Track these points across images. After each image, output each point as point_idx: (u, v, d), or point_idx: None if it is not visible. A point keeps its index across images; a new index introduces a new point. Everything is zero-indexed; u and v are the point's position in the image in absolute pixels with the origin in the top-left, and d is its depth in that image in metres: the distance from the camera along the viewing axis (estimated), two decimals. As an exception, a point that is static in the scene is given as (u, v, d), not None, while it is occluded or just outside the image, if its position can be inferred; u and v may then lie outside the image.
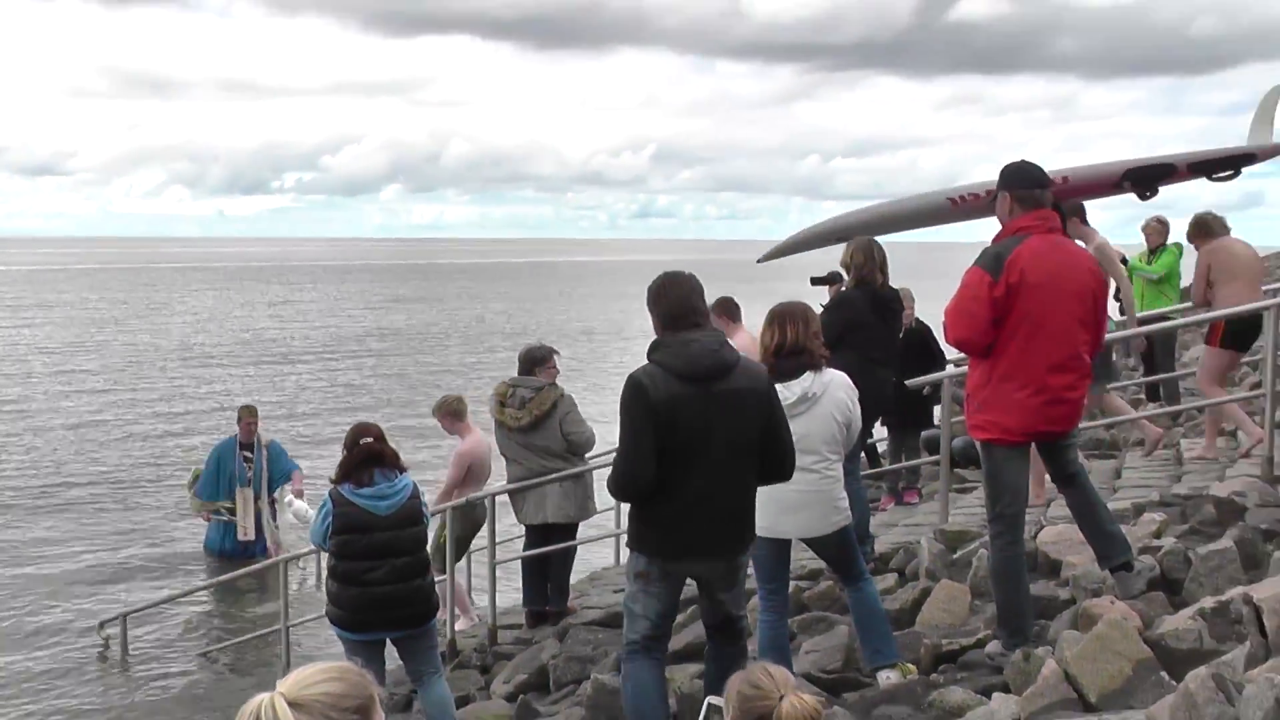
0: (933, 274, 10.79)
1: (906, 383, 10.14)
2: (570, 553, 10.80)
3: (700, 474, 5.69)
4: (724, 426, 5.69)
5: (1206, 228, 10.51)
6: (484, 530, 11.36)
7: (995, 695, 5.40)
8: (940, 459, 10.00)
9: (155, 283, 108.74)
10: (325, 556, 8.52)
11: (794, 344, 6.50)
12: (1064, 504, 7.12)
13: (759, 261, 13.89)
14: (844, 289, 9.84)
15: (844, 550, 6.66)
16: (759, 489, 5.97)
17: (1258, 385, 11.69)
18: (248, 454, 16.36)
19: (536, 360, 10.48)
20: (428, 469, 18.76)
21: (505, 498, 10.81)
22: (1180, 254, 13.28)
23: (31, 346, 48.21)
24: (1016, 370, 6.17)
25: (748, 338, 9.09)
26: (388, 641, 8.01)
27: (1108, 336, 7.63)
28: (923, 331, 11.97)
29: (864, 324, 9.16)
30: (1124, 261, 15.01)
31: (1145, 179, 11.37)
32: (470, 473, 11.41)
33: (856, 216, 12.59)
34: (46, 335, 53.46)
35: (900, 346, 10.10)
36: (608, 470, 12.30)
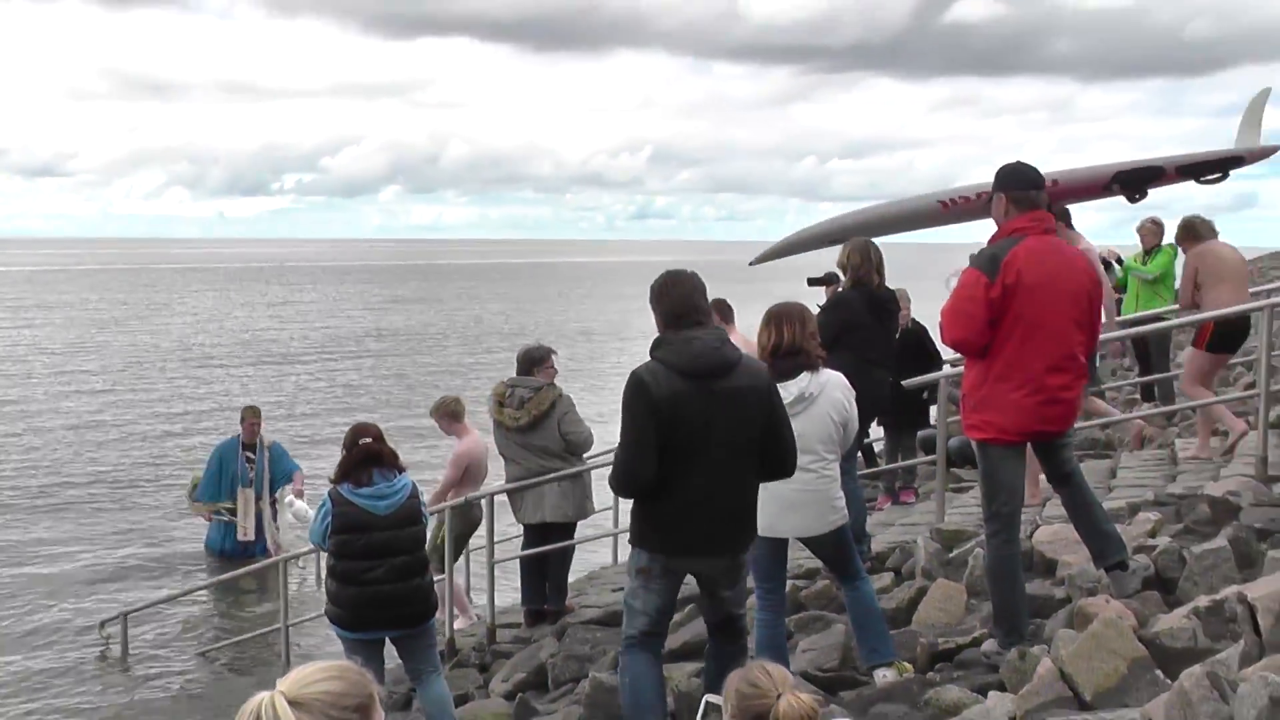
0: (929, 275, 10.83)
1: (903, 383, 10.17)
2: (568, 552, 10.84)
3: (702, 471, 5.73)
4: (725, 424, 5.73)
5: (1193, 231, 10.55)
6: (482, 530, 11.40)
7: (991, 694, 5.41)
8: (936, 459, 10.04)
9: (155, 283, 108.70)
10: (325, 556, 8.55)
11: (791, 344, 6.52)
12: (1059, 503, 7.13)
13: (751, 264, 13.92)
14: (841, 290, 9.88)
15: (841, 549, 6.69)
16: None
17: (1252, 385, 11.72)
18: (250, 454, 16.40)
19: (535, 360, 10.51)
20: (426, 469, 18.79)
21: (504, 497, 10.85)
22: (1175, 255, 13.33)
23: (32, 347, 48.22)
24: (1012, 370, 6.19)
25: (740, 339, 9.12)
26: (387, 640, 8.03)
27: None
28: (919, 332, 12.00)
29: (861, 325, 9.18)
30: (1119, 262, 15.08)
31: (1134, 182, 11.42)
32: (468, 473, 11.45)
33: (849, 219, 12.64)
34: (47, 336, 53.47)
35: (897, 347, 10.12)
36: (606, 470, 12.35)
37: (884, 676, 6.39)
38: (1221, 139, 11.57)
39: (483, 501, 11.35)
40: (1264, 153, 11.50)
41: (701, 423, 5.70)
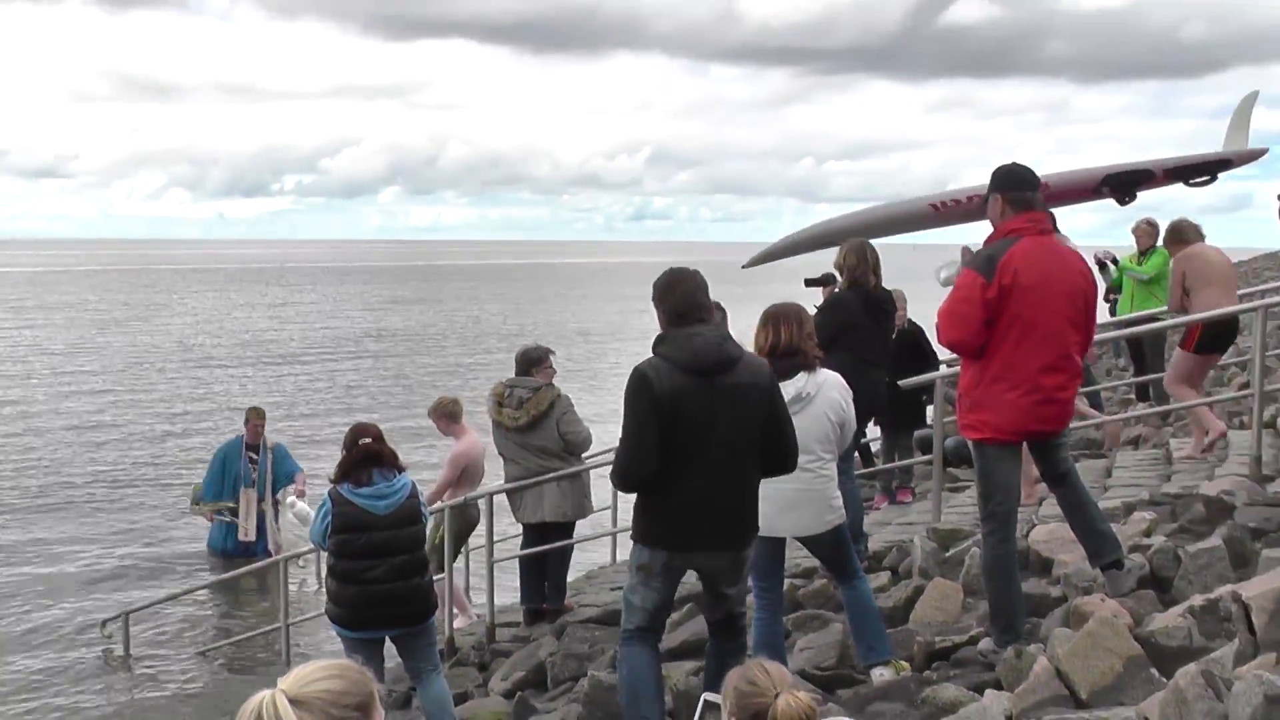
0: (926, 276, 10.85)
1: (900, 383, 10.19)
2: (567, 551, 10.85)
3: (704, 466, 5.77)
4: (727, 419, 5.77)
5: (1180, 234, 10.61)
6: (482, 529, 11.41)
7: (987, 692, 5.41)
8: (933, 458, 10.07)
9: (155, 284, 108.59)
10: (325, 555, 8.57)
11: (788, 345, 6.54)
12: (1055, 503, 7.14)
13: (745, 267, 13.94)
14: (837, 290, 9.91)
15: (838, 549, 6.71)
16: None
17: (1246, 386, 11.76)
18: (253, 455, 16.43)
19: (533, 361, 10.53)
20: (425, 469, 18.83)
21: (503, 497, 10.87)
22: (1170, 256, 13.37)
23: (33, 347, 48.21)
24: (1008, 371, 6.20)
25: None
26: (387, 639, 8.05)
27: None
28: (915, 332, 12.01)
29: (857, 325, 9.21)
30: (1115, 262, 15.10)
31: (1123, 185, 11.46)
32: (465, 474, 11.48)
33: (841, 222, 12.68)
34: (47, 336, 53.47)
35: (893, 347, 10.16)
36: (605, 470, 12.38)
37: (881, 675, 6.41)
38: (1216, 141, 11.62)
39: (480, 501, 11.39)
40: (1251, 155, 11.55)
41: (703, 418, 5.74)
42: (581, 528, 11.38)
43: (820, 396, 6.57)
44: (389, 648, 8.16)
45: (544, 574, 10.67)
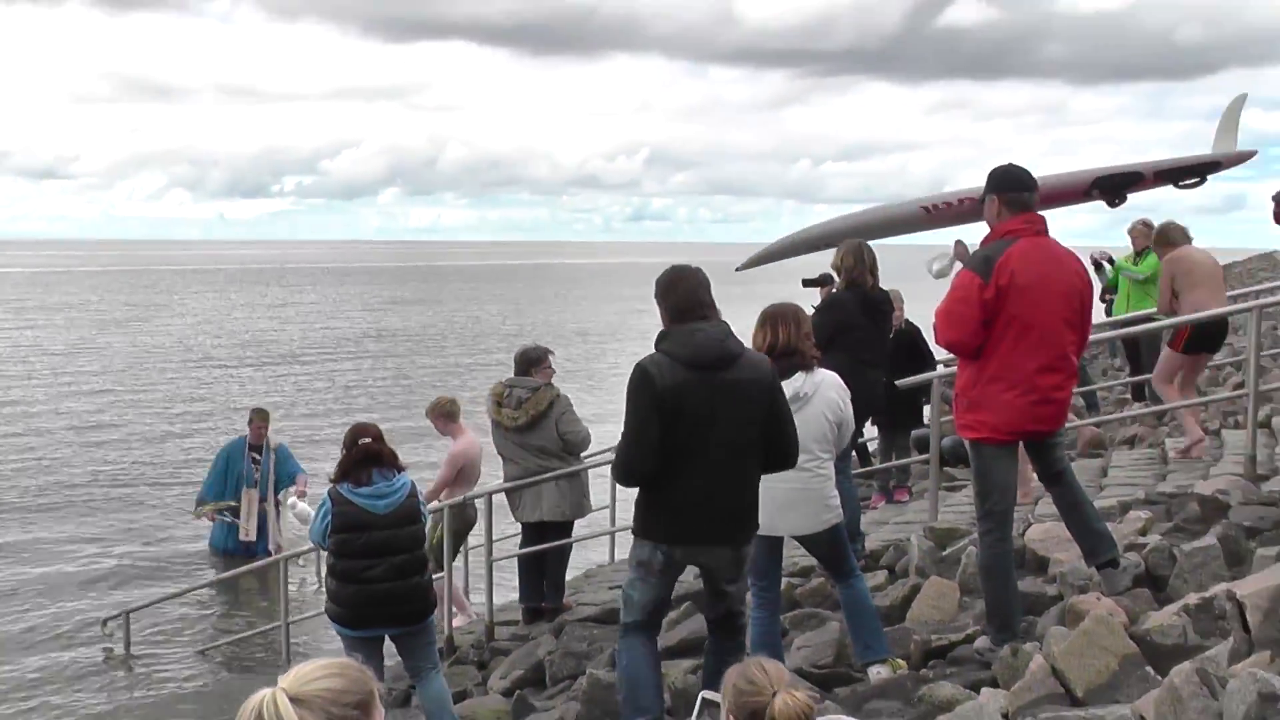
0: (922, 276, 10.84)
1: (897, 383, 10.22)
2: (566, 550, 10.88)
3: (705, 461, 5.81)
4: (728, 414, 5.81)
5: (1168, 237, 10.67)
6: (481, 528, 11.44)
7: (984, 690, 5.43)
8: (930, 458, 10.10)
9: (156, 285, 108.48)
10: (325, 555, 8.59)
11: (786, 345, 6.57)
12: (1051, 502, 7.15)
13: (738, 269, 13.95)
14: (835, 291, 9.93)
15: (835, 548, 6.74)
16: None
17: (1241, 385, 11.80)
18: (256, 455, 16.47)
19: (532, 361, 10.56)
20: (425, 469, 18.87)
21: (502, 496, 10.90)
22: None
23: (34, 347, 48.16)
24: (1005, 371, 6.22)
25: None
26: (386, 638, 8.07)
27: None
28: (912, 333, 12.03)
29: (854, 325, 9.24)
30: (1111, 262, 15.14)
31: (1113, 187, 11.49)
32: (462, 474, 11.51)
33: (833, 225, 12.71)
34: (48, 337, 53.42)
35: (890, 347, 10.18)
36: (603, 469, 12.42)
37: (878, 673, 6.43)
38: (1211, 142, 11.65)
39: (479, 501, 11.41)
40: (1240, 157, 11.59)
41: (705, 413, 5.78)
42: (580, 527, 11.40)
43: (818, 396, 6.59)
44: (388, 646, 8.18)
45: (543, 573, 10.69)
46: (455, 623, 11.29)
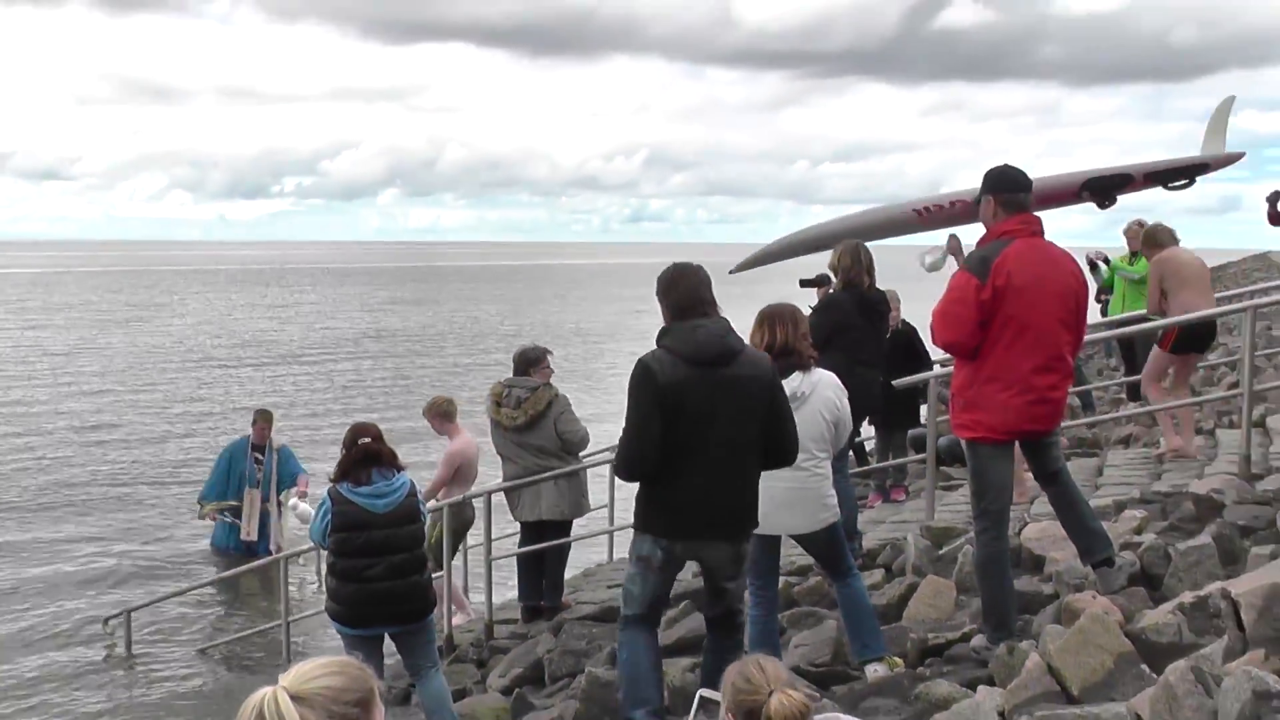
0: (919, 276, 10.87)
1: (893, 383, 10.24)
2: (564, 549, 10.90)
3: (705, 456, 5.85)
4: (728, 410, 5.85)
5: (1155, 239, 10.74)
6: (480, 527, 11.46)
7: (980, 688, 5.43)
8: (926, 457, 10.12)
9: (157, 285, 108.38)
10: (325, 554, 8.61)
11: (783, 344, 6.60)
12: (1047, 501, 7.17)
13: (731, 272, 13.97)
14: (832, 291, 9.96)
15: (832, 547, 6.77)
16: None
17: (1235, 385, 11.83)
18: (258, 455, 16.51)
19: (531, 361, 10.58)
20: (424, 469, 18.90)
21: (501, 495, 10.92)
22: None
23: (35, 348, 48.14)
24: (1001, 371, 6.24)
25: None
26: (386, 636, 8.08)
27: None
28: (909, 333, 12.06)
29: (851, 325, 9.27)
30: (1107, 262, 15.17)
31: (1103, 189, 11.53)
32: (459, 473, 11.53)
33: (826, 227, 12.76)
34: (50, 337, 53.38)
35: (887, 347, 10.21)
36: (602, 469, 12.41)
37: (875, 671, 6.46)
38: (1200, 144, 11.71)
39: (478, 500, 11.44)
40: (1228, 159, 11.64)
41: (706, 409, 5.82)
42: (578, 526, 11.42)
43: (815, 396, 6.62)
44: (388, 645, 8.19)
45: (541, 572, 10.72)
46: (455, 621, 11.30)
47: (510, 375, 10.69)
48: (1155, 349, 10.52)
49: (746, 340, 6.64)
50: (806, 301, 9.59)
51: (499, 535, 12.40)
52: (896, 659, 6.61)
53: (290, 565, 13.54)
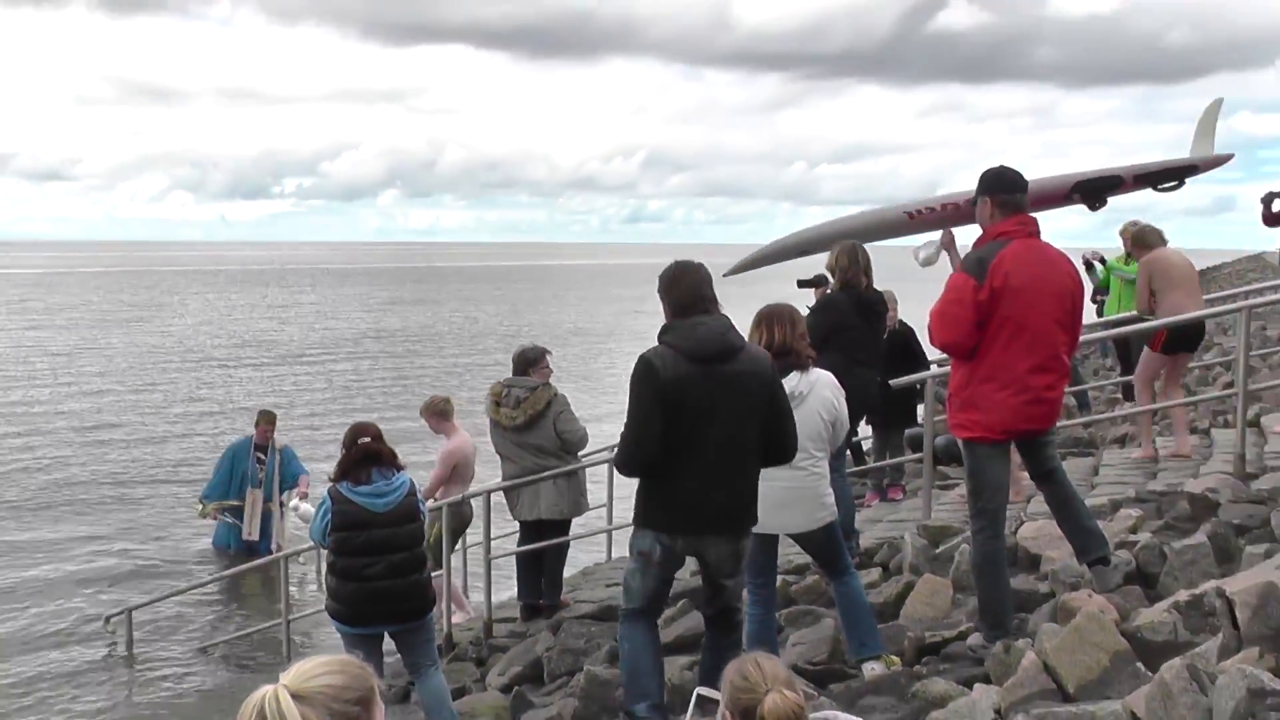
0: (916, 277, 10.94)
1: (890, 383, 10.27)
2: (563, 548, 10.92)
3: (706, 452, 5.89)
4: (729, 407, 5.88)
5: (1144, 240, 10.78)
6: (479, 527, 11.48)
7: (977, 686, 5.46)
8: (923, 457, 10.15)
9: (158, 285, 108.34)
10: (325, 553, 8.62)
11: (781, 344, 6.63)
12: (1043, 500, 7.20)
13: (725, 276, 14.00)
14: (829, 292, 9.99)
15: (830, 545, 6.80)
16: None
17: (1230, 385, 11.86)
18: (261, 455, 16.54)
19: (530, 361, 10.61)
20: (422, 468, 18.92)
21: (500, 494, 10.94)
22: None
23: (36, 348, 48.14)
24: (998, 371, 6.26)
25: None
26: (386, 635, 8.10)
27: None
28: (906, 333, 12.07)
29: (849, 326, 9.30)
30: (1103, 262, 15.21)
31: (1093, 191, 11.57)
32: (456, 472, 11.56)
33: (819, 230, 12.80)
34: (51, 337, 53.39)
35: (884, 347, 10.23)
36: (600, 468, 12.42)
37: (872, 669, 6.48)
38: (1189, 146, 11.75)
39: (477, 499, 11.46)
40: (1217, 161, 11.70)
41: (706, 405, 5.86)
42: (577, 525, 11.44)
43: (813, 395, 6.65)
44: (388, 643, 8.21)
45: (540, 570, 10.73)
46: (454, 620, 11.33)
47: (509, 375, 10.71)
48: (1146, 351, 10.57)
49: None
50: (804, 302, 9.62)
51: (498, 534, 12.42)
52: (893, 657, 6.64)
53: (291, 564, 13.57)
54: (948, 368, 7.02)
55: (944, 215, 10.65)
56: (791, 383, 6.52)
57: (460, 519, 11.42)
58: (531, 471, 10.44)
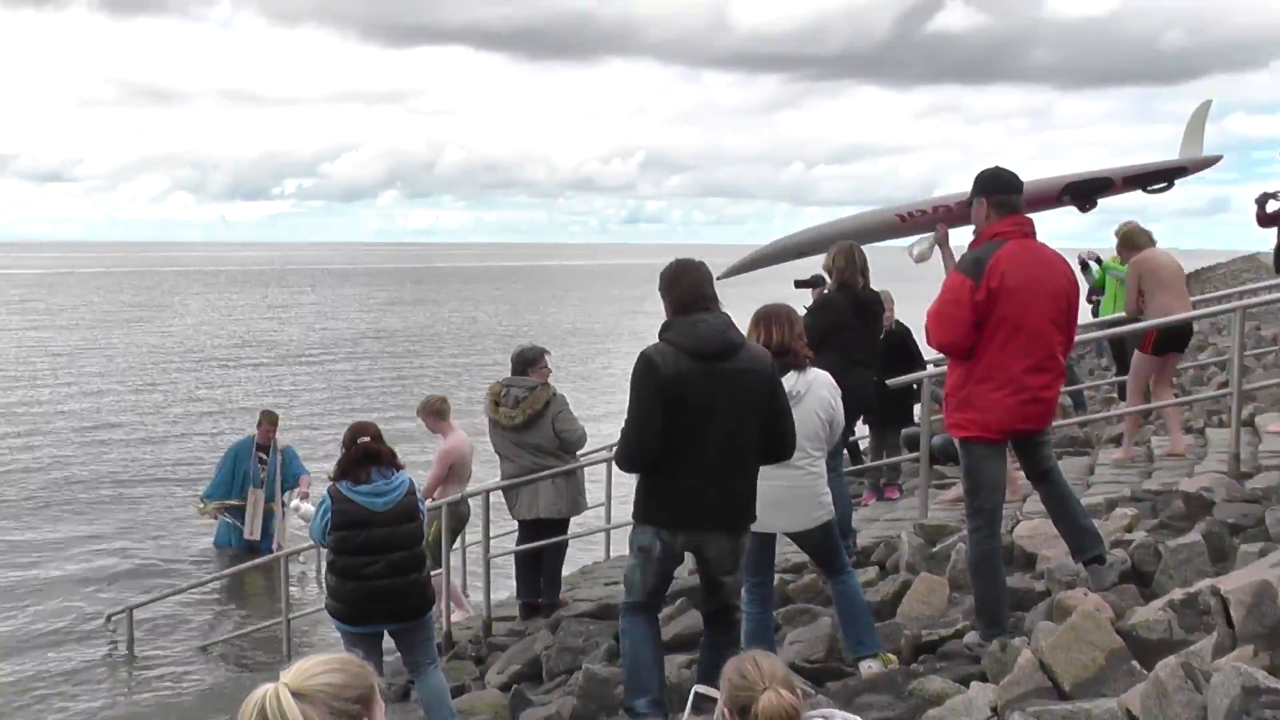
0: (912, 277, 10.97)
1: (887, 382, 10.30)
2: (562, 547, 10.93)
3: (705, 448, 5.92)
4: (729, 404, 5.92)
5: (1133, 240, 10.81)
6: (479, 526, 11.50)
7: (973, 684, 5.49)
8: (920, 456, 10.17)
9: (159, 286, 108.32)
10: (325, 552, 8.64)
11: (779, 344, 6.65)
12: (1039, 499, 7.21)
13: (718, 279, 13.98)
14: (826, 292, 10.01)
15: (827, 544, 6.82)
16: None
17: (1225, 385, 11.89)
18: (263, 455, 16.57)
19: (529, 361, 10.63)
20: (421, 468, 18.94)
21: (499, 493, 10.96)
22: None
23: (38, 348, 48.15)
24: (995, 371, 6.28)
25: None
26: (385, 633, 8.12)
27: None
28: (902, 333, 12.09)
29: (846, 326, 9.32)
30: (1099, 262, 15.23)
31: (1084, 193, 11.61)
32: (452, 471, 11.57)
33: (812, 233, 12.85)
34: (52, 337, 53.42)
35: (881, 347, 10.25)
36: (599, 468, 12.43)
37: (869, 667, 6.51)
38: (1178, 148, 11.79)
39: (476, 498, 11.47)
40: (1205, 162, 11.74)
41: (706, 401, 5.89)
42: (575, 524, 11.47)
43: (810, 395, 6.68)
44: (387, 642, 8.23)
45: (539, 569, 10.74)
46: (453, 618, 11.33)
47: (508, 375, 10.73)
48: (1138, 354, 10.60)
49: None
50: (801, 302, 9.64)
51: (497, 533, 12.44)
52: (890, 655, 6.65)
53: (291, 563, 13.59)
54: (944, 368, 7.04)
55: (935, 218, 10.72)
56: (789, 382, 6.53)
57: (458, 517, 11.43)
58: (530, 471, 10.46)
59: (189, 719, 11.30)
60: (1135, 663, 5.14)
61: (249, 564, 14.38)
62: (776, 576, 7.72)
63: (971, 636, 6.45)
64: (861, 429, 12.40)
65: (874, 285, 9.75)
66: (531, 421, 10.36)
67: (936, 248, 9.01)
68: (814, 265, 10.86)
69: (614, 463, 6.25)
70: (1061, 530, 6.81)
